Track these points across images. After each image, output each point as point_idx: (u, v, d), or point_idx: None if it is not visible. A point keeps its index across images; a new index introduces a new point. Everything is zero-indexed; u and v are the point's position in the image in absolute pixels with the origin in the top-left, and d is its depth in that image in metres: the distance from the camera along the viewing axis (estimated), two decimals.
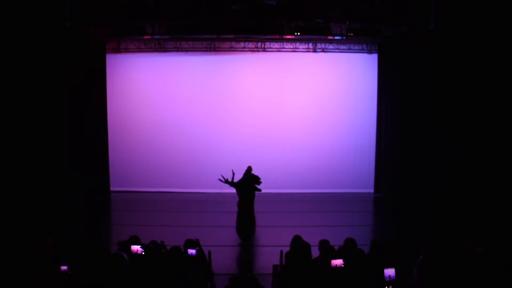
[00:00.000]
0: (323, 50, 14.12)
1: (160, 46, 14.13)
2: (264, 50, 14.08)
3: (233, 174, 9.49)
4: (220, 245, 9.38)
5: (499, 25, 9.13)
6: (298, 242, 5.97)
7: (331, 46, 14.07)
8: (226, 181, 9.39)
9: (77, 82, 13.55)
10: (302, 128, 14.23)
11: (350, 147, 14.14)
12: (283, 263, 6.02)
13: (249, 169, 9.91)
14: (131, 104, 14.43)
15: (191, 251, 5.70)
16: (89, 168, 13.92)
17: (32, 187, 10.83)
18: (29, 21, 10.44)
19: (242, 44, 13.99)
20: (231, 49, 14.07)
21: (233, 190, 9.84)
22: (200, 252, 6.14)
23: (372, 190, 13.91)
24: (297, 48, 14.08)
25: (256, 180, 9.66)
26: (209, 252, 6.54)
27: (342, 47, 14.09)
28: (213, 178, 9.92)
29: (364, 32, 12.58)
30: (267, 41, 13.89)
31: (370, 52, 14.18)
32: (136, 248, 5.14)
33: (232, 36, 13.01)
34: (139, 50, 14.25)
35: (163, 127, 14.37)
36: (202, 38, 13.47)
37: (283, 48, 14.06)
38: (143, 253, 5.16)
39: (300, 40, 13.72)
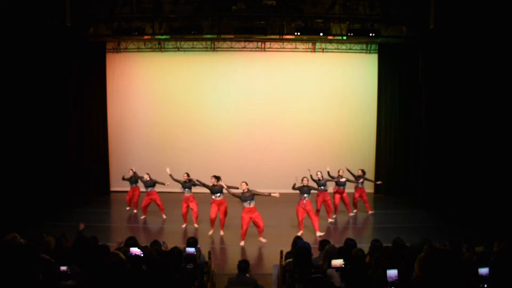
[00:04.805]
0: (323, 50, 14.11)
1: (160, 46, 14.14)
2: (264, 50, 14.08)
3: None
4: (220, 245, 9.39)
5: (498, 24, 9.12)
6: (298, 243, 5.96)
7: (331, 46, 14.07)
8: None
9: (77, 82, 13.59)
10: (302, 128, 14.22)
11: (350, 147, 14.13)
12: (283, 263, 6.01)
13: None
14: (131, 104, 14.44)
15: (190, 250, 5.69)
16: (90, 168, 13.95)
17: (33, 188, 10.82)
18: (29, 21, 10.43)
19: (242, 44, 13.99)
20: (231, 49, 14.08)
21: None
22: (198, 251, 6.15)
23: (372, 190, 13.91)
24: (297, 48, 14.08)
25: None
26: (209, 252, 6.54)
27: (342, 47, 14.09)
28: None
29: (364, 32, 12.59)
30: (267, 41, 13.89)
31: (370, 52, 14.17)
32: (134, 250, 5.15)
33: (232, 36, 13.01)
34: (139, 50, 14.26)
35: (163, 127, 14.38)
36: (202, 38, 13.47)
37: (283, 48, 14.05)
38: (142, 254, 5.16)
39: (300, 40, 13.71)
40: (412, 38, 12.92)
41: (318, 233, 9.69)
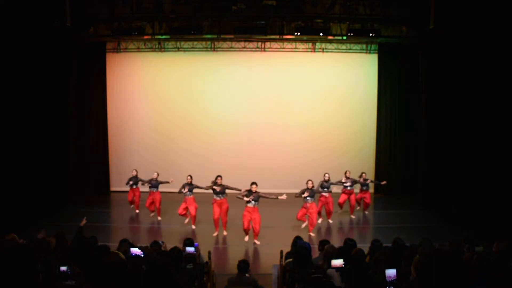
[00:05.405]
0: (323, 50, 14.10)
1: (160, 46, 14.14)
2: (264, 50, 14.07)
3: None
4: (220, 245, 9.39)
5: (499, 24, 9.11)
6: (298, 242, 5.96)
7: (331, 46, 14.06)
8: None
9: (77, 82, 13.59)
10: (302, 128, 14.22)
11: (350, 147, 14.13)
12: (283, 263, 6.01)
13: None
14: (131, 104, 14.43)
15: (190, 250, 5.69)
16: (90, 168, 13.95)
17: (33, 187, 10.82)
18: (29, 21, 10.43)
19: (242, 44, 13.99)
20: (231, 49, 14.07)
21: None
22: (198, 251, 6.14)
23: (372, 190, 13.90)
24: (297, 48, 14.07)
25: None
26: (209, 252, 6.54)
27: (342, 47, 14.08)
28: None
29: (364, 32, 12.59)
30: (267, 41, 13.88)
31: (370, 52, 14.16)
32: (134, 250, 5.15)
33: (232, 36, 13.01)
34: (139, 50, 14.25)
35: (163, 127, 14.38)
36: (202, 38, 13.47)
37: (283, 48, 14.05)
38: (142, 254, 5.16)
39: (300, 40, 13.71)
40: (412, 38, 12.92)
41: (310, 233, 9.80)
